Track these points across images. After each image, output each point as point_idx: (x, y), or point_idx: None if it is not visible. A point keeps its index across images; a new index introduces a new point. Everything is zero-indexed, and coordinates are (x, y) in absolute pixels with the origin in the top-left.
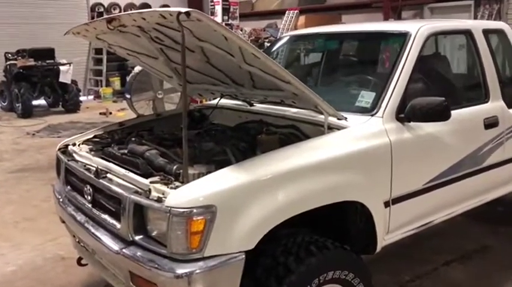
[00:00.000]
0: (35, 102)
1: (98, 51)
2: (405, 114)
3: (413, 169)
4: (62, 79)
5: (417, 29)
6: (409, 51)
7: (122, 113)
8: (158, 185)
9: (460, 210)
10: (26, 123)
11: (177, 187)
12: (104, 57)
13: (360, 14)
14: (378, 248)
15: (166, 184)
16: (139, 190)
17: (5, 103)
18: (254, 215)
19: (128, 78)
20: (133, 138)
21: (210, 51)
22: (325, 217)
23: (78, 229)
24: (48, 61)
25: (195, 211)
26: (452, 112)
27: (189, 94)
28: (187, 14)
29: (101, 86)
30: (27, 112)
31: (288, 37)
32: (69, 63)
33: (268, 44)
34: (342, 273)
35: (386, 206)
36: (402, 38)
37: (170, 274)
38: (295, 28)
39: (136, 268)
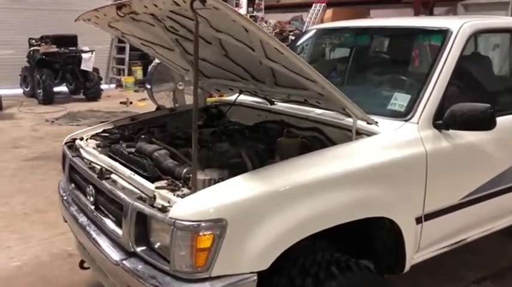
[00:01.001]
0: (56, 89)
1: (121, 39)
2: (443, 121)
3: (449, 182)
4: (83, 67)
5: (459, 26)
6: (449, 51)
7: (142, 103)
8: (164, 192)
9: (498, 227)
10: (47, 109)
11: (184, 195)
12: (127, 45)
13: (389, 9)
14: (406, 269)
15: (172, 191)
16: (143, 195)
17: (28, 89)
18: (270, 231)
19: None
20: (143, 136)
21: (228, 44)
22: (347, 231)
23: (80, 232)
24: (70, 48)
25: (202, 224)
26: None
27: (207, 89)
28: (203, 1)
29: (123, 75)
30: (49, 99)
31: (314, 31)
32: (91, 51)
33: (293, 38)
34: None
35: (418, 223)
36: (442, 35)
37: None
38: (322, 22)
39: (135, 283)
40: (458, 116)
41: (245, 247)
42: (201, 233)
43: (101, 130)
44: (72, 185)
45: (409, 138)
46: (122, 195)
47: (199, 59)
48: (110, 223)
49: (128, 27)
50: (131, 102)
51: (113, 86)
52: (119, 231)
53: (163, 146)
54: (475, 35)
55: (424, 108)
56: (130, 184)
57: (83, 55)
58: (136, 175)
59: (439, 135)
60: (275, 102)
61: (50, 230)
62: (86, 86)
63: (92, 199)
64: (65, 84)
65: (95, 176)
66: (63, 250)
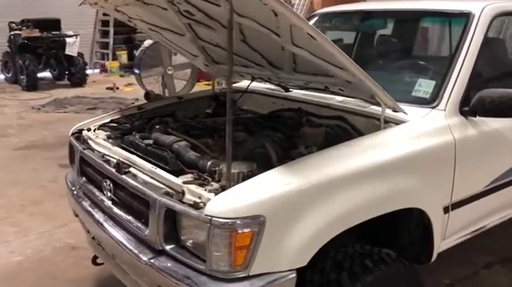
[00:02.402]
0: (39, 75)
1: (105, 23)
2: (471, 107)
3: (476, 170)
4: (68, 51)
5: (481, 8)
6: (473, 35)
7: (129, 88)
8: (193, 187)
9: None
10: (31, 96)
11: (216, 190)
12: (111, 29)
13: None
14: (433, 258)
15: (201, 185)
16: (169, 190)
17: (9, 75)
18: (308, 226)
19: (136, 53)
20: (157, 126)
21: (248, 29)
22: (373, 222)
23: (96, 229)
24: (53, 32)
25: (241, 222)
26: None
27: (215, 75)
28: None
29: (108, 60)
30: (32, 85)
31: (319, 16)
32: (76, 35)
33: None
34: None
35: (445, 212)
36: (464, 19)
37: None
38: (311, 5)
39: (167, 283)
40: (487, 102)
41: (283, 243)
42: (239, 231)
43: (108, 120)
44: (84, 178)
45: (437, 126)
46: (148, 191)
47: (211, 44)
48: (132, 220)
49: (137, 11)
50: (118, 88)
51: (97, 71)
52: (144, 228)
53: (182, 137)
54: (495, 18)
55: (450, 95)
56: (152, 178)
57: (67, 39)
58: (158, 168)
59: (466, 122)
60: (290, 89)
61: (49, 222)
62: (71, 72)
63: (109, 194)
64: (48, 70)
65: (113, 170)
66: (65, 243)
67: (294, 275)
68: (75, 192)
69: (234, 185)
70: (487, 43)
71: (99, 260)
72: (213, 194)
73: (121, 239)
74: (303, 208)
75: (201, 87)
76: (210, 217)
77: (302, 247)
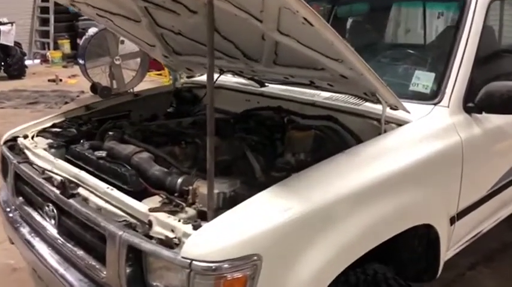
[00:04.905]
0: None
1: (44, 10)
2: (477, 103)
3: (481, 173)
4: (3, 41)
5: None
6: (472, 21)
7: (73, 80)
8: (163, 216)
9: (506, 214)
10: None
11: (195, 221)
12: (51, 16)
13: None
14: (438, 275)
15: (173, 213)
16: (132, 220)
17: None
18: (314, 260)
19: (80, 42)
20: (110, 132)
21: (222, 13)
22: None
23: (38, 264)
24: None
25: (230, 265)
26: None
27: (175, 68)
28: None
29: (49, 49)
30: None
31: None
32: (11, 23)
33: None
34: None
35: (451, 224)
36: (460, 3)
37: None
38: None
39: None
40: (497, 97)
41: (285, 285)
42: (228, 276)
43: (50, 124)
44: (21, 198)
45: (443, 126)
46: (103, 221)
47: (172, 32)
48: (84, 256)
49: None
50: (61, 80)
51: (37, 61)
52: (101, 268)
53: (143, 147)
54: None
55: (453, 89)
56: (107, 202)
57: (2, 28)
58: (115, 189)
59: (471, 120)
60: (266, 84)
61: None
62: (7, 63)
63: (53, 221)
64: None
65: (57, 191)
66: (4, 265)
67: None
68: (10, 215)
69: (215, 212)
70: (486, 30)
71: None
72: (190, 226)
73: (71, 279)
74: (307, 239)
75: (151, 77)
76: (189, 261)
77: (310, 285)
